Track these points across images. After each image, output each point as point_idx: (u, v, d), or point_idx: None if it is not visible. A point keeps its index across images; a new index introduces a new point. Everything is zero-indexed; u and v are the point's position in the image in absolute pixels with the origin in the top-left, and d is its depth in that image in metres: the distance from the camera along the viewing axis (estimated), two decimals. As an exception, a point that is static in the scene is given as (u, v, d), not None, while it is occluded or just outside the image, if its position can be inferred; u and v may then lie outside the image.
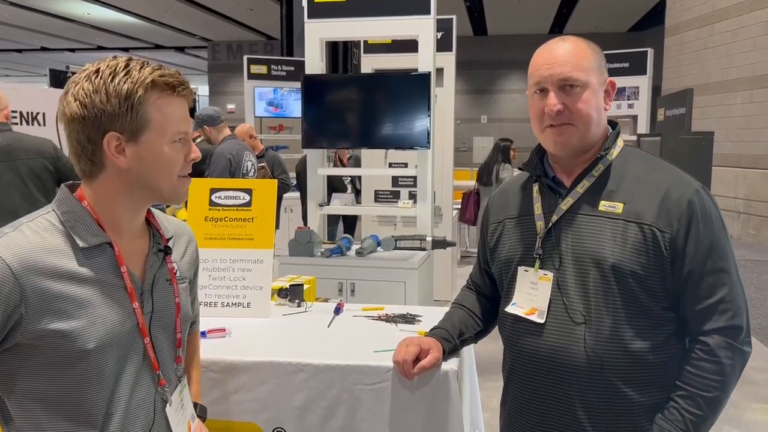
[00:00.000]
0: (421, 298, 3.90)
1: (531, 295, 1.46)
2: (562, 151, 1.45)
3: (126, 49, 21.90)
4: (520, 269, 1.49)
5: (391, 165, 6.22)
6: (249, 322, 2.13)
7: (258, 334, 2.03)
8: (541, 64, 1.43)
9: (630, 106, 7.86)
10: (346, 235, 4.29)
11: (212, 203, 2.24)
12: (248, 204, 2.24)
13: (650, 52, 7.76)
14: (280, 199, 5.96)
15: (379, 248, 4.11)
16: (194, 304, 1.51)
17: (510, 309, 1.51)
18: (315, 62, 4.38)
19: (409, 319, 2.16)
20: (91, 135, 1.15)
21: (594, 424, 1.40)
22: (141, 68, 1.17)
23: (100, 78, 1.14)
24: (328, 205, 4.56)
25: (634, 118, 7.96)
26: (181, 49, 23.16)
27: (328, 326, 2.11)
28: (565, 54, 1.42)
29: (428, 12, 4.21)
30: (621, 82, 8.24)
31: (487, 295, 1.73)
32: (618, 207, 1.39)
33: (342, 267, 3.92)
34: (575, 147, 1.44)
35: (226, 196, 2.24)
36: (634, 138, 7.29)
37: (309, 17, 4.37)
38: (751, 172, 9.06)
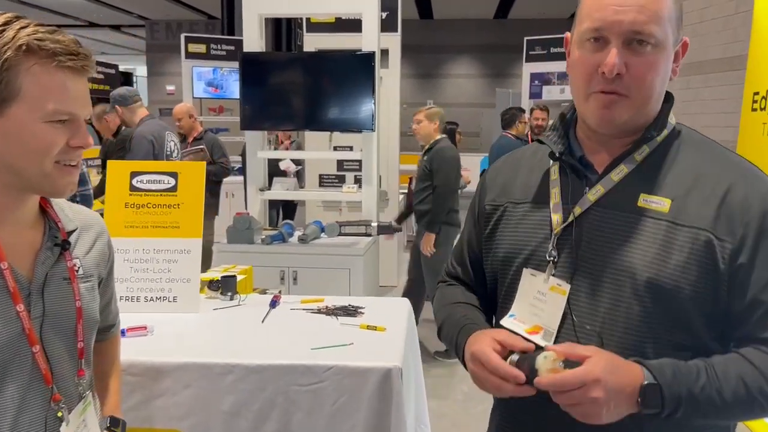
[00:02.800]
0: (367, 285, 3.79)
1: (536, 308, 1.12)
2: (606, 128, 1.10)
3: (58, 26, 20.80)
4: (526, 272, 1.14)
5: (336, 148, 6.06)
6: (175, 318, 1.96)
7: (184, 331, 1.86)
8: (609, 3, 1.04)
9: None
10: (288, 221, 4.12)
11: (133, 188, 2.04)
12: (174, 189, 2.05)
13: (593, 37, 7.81)
14: (219, 183, 5.70)
15: (322, 234, 3.98)
16: (110, 306, 1.33)
17: (507, 323, 1.15)
18: (254, 40, 4.18)
19: (351, 311, 2.03)
20: None
21: None
22: (21, 28, 0.98)
23: None
24: (269, 189, 4.39)
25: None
26: (117, 28, 22.16)
27: (263, 321, 1.96)
28: None
29: (373, -11, 4.06)
30: (562, 66, 8.32)
31: (474, 290, 1.32)
32: (664, 204, 1.06)
33: (283, 254, 3.78)
34: (624, 125, 1.09)
35: (148, 180, 2.05)
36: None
37: (247, -8, 4.15)
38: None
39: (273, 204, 6.70)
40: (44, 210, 1.13)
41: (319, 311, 2.04)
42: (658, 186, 1.08)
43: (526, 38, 8.49)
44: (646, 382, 0.98)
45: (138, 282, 2.01)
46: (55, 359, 1.08)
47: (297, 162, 6.43)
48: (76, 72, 1.02)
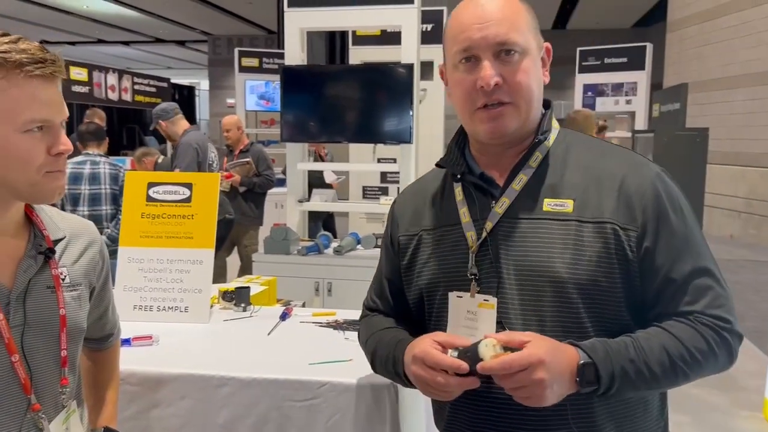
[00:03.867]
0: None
1: (470, 329, 1.13)
2: (499, 139, 1.15)
3: (126, 43, 21.75)
4: (452, 296, 1.16)
5: (379, 160, 6.06)
6: (183, 329, 1.97)
7: (189, 342, 1.87)
8: (470, 23, 1.11)
9: (628, 102, 7.68)
10: (326, 233, 4.14)
11: (149, 198, 2.09)
12: (188, 199, 2.08)
13: (649, 46, 7.58)
14: (264, 195, 5.80)
15: (359, 246, 3.97)
16: (107, 316, 1.34)
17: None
18: (295, 53, 4.24)
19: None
20: None
21: None
22: None
23: None
24: (309, 201, 4.43)
25: (632, 114, 7.78)
26: (181, 43, 23.02)
27: (269, 334, 1.95)
28: (498, 11, 1.11)
29: (412, 1, 4.05)
30: (619, 77, 8.16)
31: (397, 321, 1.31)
32: (567, 205, 1.11)
33: (318, 266, 3.79)
34: (514, 133, 1.14)
35: (164, 190, 2.08)
36: (629, 135, 7.09)
37: (289, 6, 4.23)
38: (750, 171, 8.86)
39: (315, 216, 6.75)
40: (30, 218, 1.14)
41: (327, 325, 2.02)
42: (559, 188, 1.14)
43: (579, 49, 8.30)
44: (582, 362, 1.03)
45: (151, 291, 2.05)
46: (36, 368, 1.08)
47: (337, 174, 6.47)
48: (46, 79, 1.02)
